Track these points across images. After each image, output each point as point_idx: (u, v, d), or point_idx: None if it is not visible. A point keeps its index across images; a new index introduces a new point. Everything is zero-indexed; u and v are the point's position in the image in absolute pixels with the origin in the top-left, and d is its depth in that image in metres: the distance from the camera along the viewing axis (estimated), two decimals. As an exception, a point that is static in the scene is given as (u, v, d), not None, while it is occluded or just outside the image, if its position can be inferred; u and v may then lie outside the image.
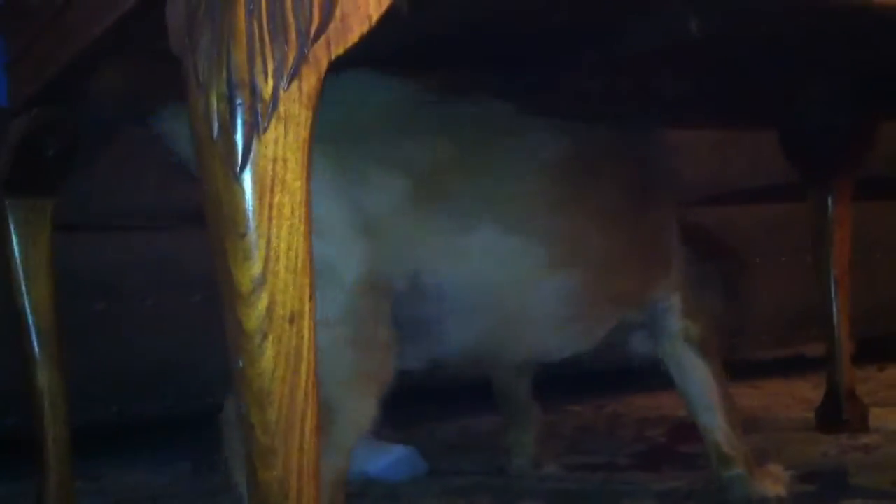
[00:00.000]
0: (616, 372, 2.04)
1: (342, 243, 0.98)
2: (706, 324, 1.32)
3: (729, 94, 1.54)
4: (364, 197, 1.00)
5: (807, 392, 1.95)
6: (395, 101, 1.08)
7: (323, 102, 1.01)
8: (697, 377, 1.30)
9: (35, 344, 1.15)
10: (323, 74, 0.60)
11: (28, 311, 1.16)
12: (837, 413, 1.74)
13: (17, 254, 1.16)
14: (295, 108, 0.59)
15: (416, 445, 1.54)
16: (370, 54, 0.73)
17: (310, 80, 0.59)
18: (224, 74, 0.57)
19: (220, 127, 0.58)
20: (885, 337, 2.57)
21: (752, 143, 2.12)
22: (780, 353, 2.58)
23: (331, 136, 0.98)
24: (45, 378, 1.15)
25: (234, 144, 0.57)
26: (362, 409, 0.99)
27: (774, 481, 1.32)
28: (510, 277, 1.11)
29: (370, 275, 0.99)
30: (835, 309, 1.75)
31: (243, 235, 0.58)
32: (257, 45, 0.58)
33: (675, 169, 1.41)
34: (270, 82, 0.58)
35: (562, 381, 1.98)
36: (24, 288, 1.16)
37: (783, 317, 2.28)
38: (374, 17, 0.61)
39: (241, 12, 0.57)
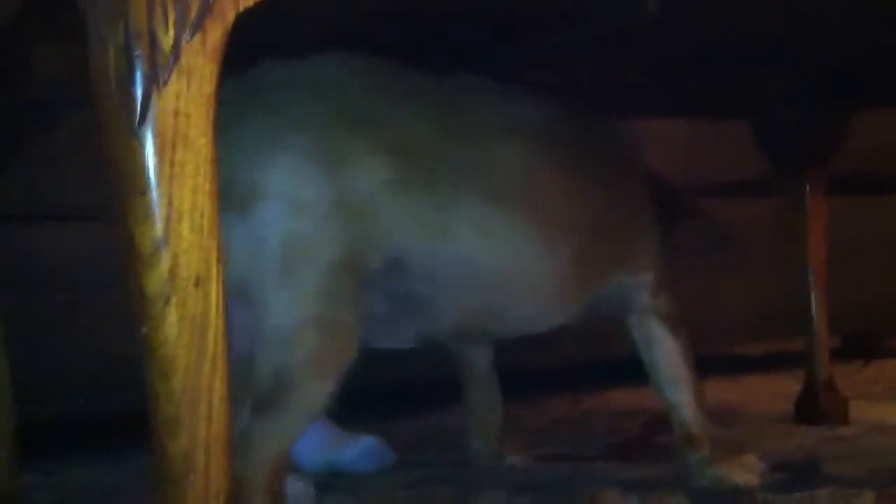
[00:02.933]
0: (595, 367, 2.03)
1: (322, 223, 0.96)
2: (676, 302, 1.30)
3: (700, 85, 1.52)
4: (346, 178, 0.98)
5: (788, 387, 1.92)
6: (373, 82, 1.07)
7: (308, 86, 1.01)
8: (665, 352, 1.28)
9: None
10: (229, 27, 0.57)
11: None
12: (815, 405, 1.72)
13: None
14: (198, 61, 0.56)
15: (387, 438, 1.52)
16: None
17: (214, 33, 0.57)
18: (121, 25, 0.55)
19: (117, 80, 0.55)
20: (872, 333, 2.56)
21: (733, 136, 2.09)
22: (762, 349, 2.56)
23: (312, 117, 0.99)
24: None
25: (131, 98, 0.55)
26: (318, 391, 0.97)
27: (745, 470, 1.30)
28: (492, 251, 1.09)
29: (347, 256, 0.97)
30: (813, 302, 1.73)
31: (143, 194, 0.56)
32: (158, -6, 0.55)
33: (641, 154, 1.39)
34: (171, 33, 0.55)
35: (540, 375, 1.96)
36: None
37: (765, 312, 2.25)
38: (288, -30, 0.59)
39: (142, -40, 0.55)
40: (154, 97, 0.55)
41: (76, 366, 1.55)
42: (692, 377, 1.29)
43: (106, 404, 1.58)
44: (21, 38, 0.89)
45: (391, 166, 1.01)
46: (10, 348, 1.13)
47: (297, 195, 0.95)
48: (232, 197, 0.88)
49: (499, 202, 1.09)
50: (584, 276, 1.22)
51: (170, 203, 0.56)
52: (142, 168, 0.56)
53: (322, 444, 1.49)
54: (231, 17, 0.57)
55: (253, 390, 0.93)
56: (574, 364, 2.03)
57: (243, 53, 0.65)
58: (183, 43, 0.55)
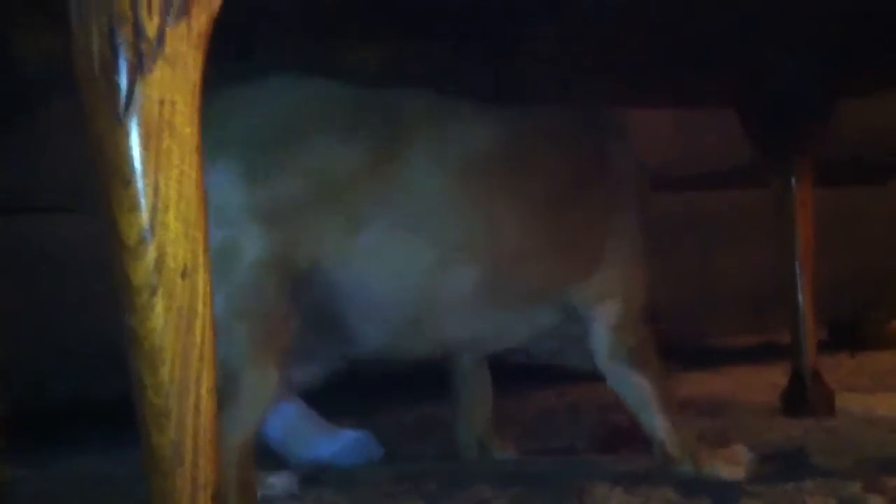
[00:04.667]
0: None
1: (244, 229, 1.05)
2: (640, 333, 1.28)
3: (685, 72, 1.52)
4: (264, 190, 1.06)
5: (776, 378, 1.92)
6: (303, 105, 1.12)
7: (234, 110, 1.04)
8: (632, 387, 1.29)
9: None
10: (215, 13, 0.56)
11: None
12: (802, 396, 1.72)
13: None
14: (183, 48, 0.55)
15: (375, 431, 1.51)
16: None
17: (199, 19, 0.56)
18: (105, 10, 0.54)
19: (101, 67, 0.54)
20: (858, 324, 2.57)
21: (718, 126, 2.09)
22: (750, 340, 2.57)
23: (237, 139, 1.06)
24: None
25: (116, 85, 0.54)
26: (259, 379, 1.03)
27: (731, 464, 1.30)
28: (407, 274, 1.12)
29: (271, 257, 1.05)
30: (799, 291, 1.73)
31: (128, 183, 0.55)
32: (142, -21, 0.54)
33: (635, 165, 1.34)
34: (156, 19, 0.54)
35: (526, 368, 1.95)
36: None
37: (753, 303, 2.26)
38: (276, -46, 0.58)
39: (126, -56, 0.54)
40: (138, 85, 0.54)
41: (67, 356, 1.54)
42: (663, 402, 1.28)
43: (96, 394, 1.57)
44: (2, 22, 0.87)
45: (304, 184, 1.07)
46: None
47: (222, 206, 1.02)
48: None
49: (412, 226, 1.12)
50: (521, 296, 1.22)
51: (156, 193, 0.55)
52: (127, 157, 0.55)
53: (309, 438, 1.48)
54: (217, 3, 0.56)
55: None
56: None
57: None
58: (167, 29, 0.55)
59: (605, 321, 1.27)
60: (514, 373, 1.61)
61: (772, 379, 2.01)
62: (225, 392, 0.95)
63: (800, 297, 1.72)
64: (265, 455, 1.11)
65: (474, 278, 1.15)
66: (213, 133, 1.00)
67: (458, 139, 1.16)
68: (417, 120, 1.15)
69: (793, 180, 1.71)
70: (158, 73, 0.55)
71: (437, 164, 1.13)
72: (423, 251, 1.12)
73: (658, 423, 1.28)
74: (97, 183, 0.56)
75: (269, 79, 1.11)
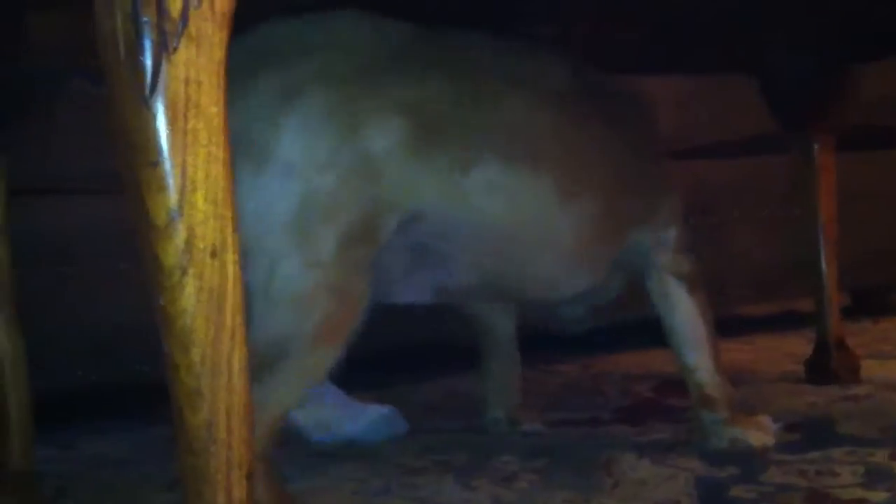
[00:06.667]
0: (605, 332, 2.02)
1: (342, 182, 0.94)
2: (696, 262, 1.30)
3: (707, 41, 1.51)
4: (361, 137, 0.96)
5: (798, 346, 1.92)
6: (383, 40, 1.04)
7: (320, 44, 0.99)
8: (684, 313, 1.27)
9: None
10: (238, -7, 0.56)
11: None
12: (826, 364, 1.72)
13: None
14: (207, 28, 0.55)
15: (398, 406, 1.52)
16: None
17: (223, -1, 0.55)
18: (129, -9, 0.53)
19: (126, 48, 0.54)
20: (882, 290, 2.55)
21: (739, 92, 2.07)
22: (771, 309, 2.56)
23: (324, 75, 0.96)
24: (3, 341, 1.12)
25: (141, 66, 0.54)
26: (324, 359, 0.95)
27: (761, 431, 1.30)
28: (513, 211, 1.08)
29: (365, 219, 0.95)
30: (823, 259, 1.72)
31: (155, 164, 0.55)
32: (165, -41, 0.54)
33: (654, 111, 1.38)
34: (179, 0, 0.54)
35: (549, 340, 1.96)
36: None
37: (772, 272, 2.25)
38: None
39: (148, -76, 0.54)
40: (164, 65, 0.54)
41: (80, 338, 1.54)
42: (710, 338, 1.29)
43: (114, 376, 1.57)
44: (14, 6, 0.87)
45: (404, 126, 0.98)
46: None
47: (316, 153, 0.93)
48: (245, 157, 0.87)
49: (513, 161, 1.07)
50: (607, 235, 1.21)
51: (183, 173, 0.55)
52: (154, 138, 0.55)
53: (334, 414, 1.48)
54: (239, -18, 0.56)
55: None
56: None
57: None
58: (191, 9, 0.54)
59: (667, 245, 1.28)
60: (536, 344, 1.61)
61: (795, 348, 2.01)
62: (275, 365, 0.90)
63: (823, 265, 1.71)
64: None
65: (576, 215, 1.13)
66: (286, 68, 0.94)
67: (547, 77, 1.15)
68: (503, 57, 1.12)
69: (815, 148, 1.69)
70: (183, 53, 0.54)
71: (537, 99, 1.11)
72: (527, 188, 1.08)
73: (701, 363, 1.27)
74: (120, 164, 0.56)
75: (327, 15, 1.01)
